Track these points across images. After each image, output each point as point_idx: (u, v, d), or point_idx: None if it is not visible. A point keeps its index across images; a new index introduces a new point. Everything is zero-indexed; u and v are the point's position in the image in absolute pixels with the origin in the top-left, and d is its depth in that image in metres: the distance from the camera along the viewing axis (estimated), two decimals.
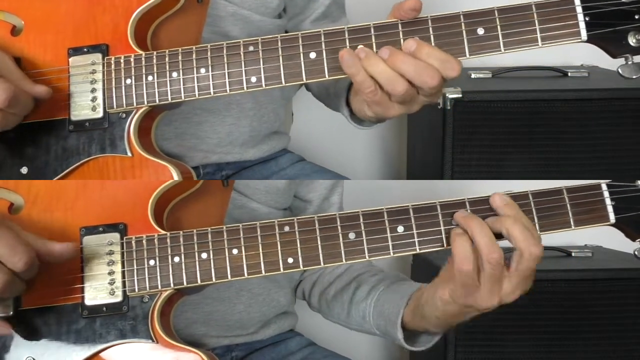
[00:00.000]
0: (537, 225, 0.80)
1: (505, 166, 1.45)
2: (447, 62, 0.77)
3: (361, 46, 0.80)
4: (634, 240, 0.82)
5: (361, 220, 0.81)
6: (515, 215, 0.78)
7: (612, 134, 1.44)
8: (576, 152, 1.45)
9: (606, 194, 0.82)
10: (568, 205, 0.81)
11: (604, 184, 0.82)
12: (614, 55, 0.80)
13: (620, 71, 0.80)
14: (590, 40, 0.79)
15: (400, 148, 1.84)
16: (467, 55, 0.80)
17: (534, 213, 0.81)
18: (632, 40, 0.79)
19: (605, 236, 1.65)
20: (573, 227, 0.81)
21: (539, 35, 0.79)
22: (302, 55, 0.82)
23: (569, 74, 1.57)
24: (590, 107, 1.43)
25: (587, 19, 0.79)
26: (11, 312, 0.80)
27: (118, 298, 0.81)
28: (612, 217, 0.81)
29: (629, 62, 0.80)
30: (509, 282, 0.78)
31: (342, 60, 0.79)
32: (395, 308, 0.92)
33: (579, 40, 0.79)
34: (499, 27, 0.80)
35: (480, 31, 0.80)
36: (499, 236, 0.78)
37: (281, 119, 1.16)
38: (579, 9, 0.79)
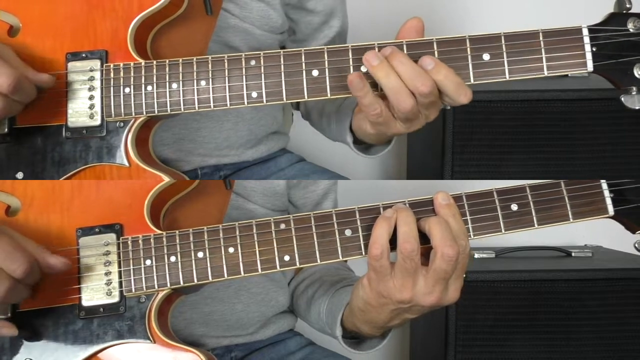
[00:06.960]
0: (534, 218, 0.80)
1: (505, 166, 1.45)
2: (460, 87, 0.77)
3: (370, 52, 0.79)
4: (633, 232, 0.82)
5: (357, 216, 0.80)
6: (443, 216, 0.78)
7: (612, 134, 1.44)
8: (576, 152, 1.44)
9: (604, 186, 0.81)
10: (566, 198, 0.81)
11: (602, 180, 0.82)
12: (618, 87, 0.79)
13: (623, 100, 0.79)
14: (596, 71, 0.78)
15: (400, 148, 1.84)
16: (472, 81, 0.79)
17: (532, 206, 0.80)
18: (637, 72, 0.78)
19: (605, 236, 1.66)
20: (572, 220, 0.81)
21: (545, 63, 0.78)
22: (304, 72, 0.81)
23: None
24: (590, 107, 1.42)
25: (594, 49, 0.78)
26: (9, 314, 0.79)
27: (115, 298, 0.81)
28: (610, 210, 0.81)
29: (633, 93, 0.79)
30: (425, 280, 0.77)
31: (350, 85, 0.79)
32: (340, 305, 0.92)
33: (585, 71, 0.78)
34: (505, 53, 0.78)
35: (486, 57, 0.78)
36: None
37: (279, 121, 1.15)
38: (586, 39, 0.78)
